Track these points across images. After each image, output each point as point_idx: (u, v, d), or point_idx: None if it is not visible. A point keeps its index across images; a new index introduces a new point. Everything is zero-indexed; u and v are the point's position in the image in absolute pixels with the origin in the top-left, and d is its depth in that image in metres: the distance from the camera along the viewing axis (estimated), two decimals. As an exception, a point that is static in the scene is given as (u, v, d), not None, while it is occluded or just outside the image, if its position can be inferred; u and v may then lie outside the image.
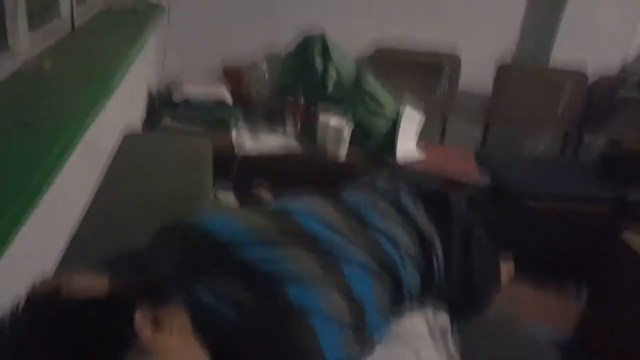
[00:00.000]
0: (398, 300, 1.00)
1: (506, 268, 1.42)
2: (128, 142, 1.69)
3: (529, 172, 2.44)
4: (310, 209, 1.04)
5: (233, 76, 2.46)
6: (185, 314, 0.84)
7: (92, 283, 0.95)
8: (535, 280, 2.24)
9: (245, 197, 1.70)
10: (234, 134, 2.18)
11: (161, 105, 2.27)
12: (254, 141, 2.18)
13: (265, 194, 1.65)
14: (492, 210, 2.15)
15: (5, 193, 0.74)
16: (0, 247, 0.69)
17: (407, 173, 1.50)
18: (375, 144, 2.24)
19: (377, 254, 0.99)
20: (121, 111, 1.72)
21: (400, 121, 2.20)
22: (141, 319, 0.78)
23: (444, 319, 1.10)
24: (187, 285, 0.89)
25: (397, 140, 2.20)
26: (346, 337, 0.86)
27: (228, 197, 1.87)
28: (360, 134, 2.18)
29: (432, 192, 1.22)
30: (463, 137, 2.69)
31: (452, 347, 1.07)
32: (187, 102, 2.17)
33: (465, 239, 1.14)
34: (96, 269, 1.02)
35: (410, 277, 1.02)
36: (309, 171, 2.06)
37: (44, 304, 0.83)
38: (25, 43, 1.26)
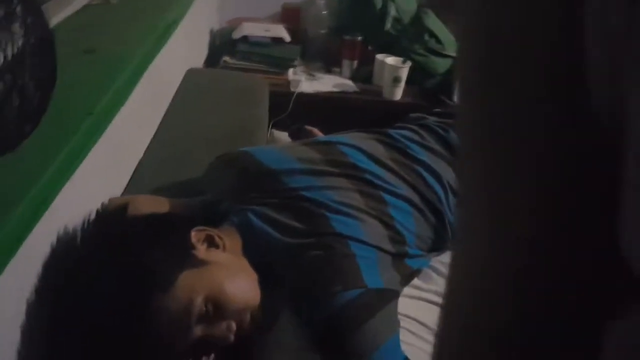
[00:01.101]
0: (440, 236, 1.02)
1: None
2: (191, 77, 1.76)
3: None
4: (355, 142, 1.07)
5: (291, 14, 2.46)
6: (237, 235, 0.91)
7: (154, 203, 1.04)
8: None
9: (298, 135, 1.74)
10: (290, 72, 2.20)
11: (221, 43, 2.31)
12: (309, 80, 2.20)
13: (318, 133, 1.68)
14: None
15: (75, 114, 0.80)
16: (74, 160, 0.75)
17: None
18: (434, 83, 2.19)
19: (420, 187, 1.01)
20: (185, 46, 1.78)
21: (460, 60, 2.14)
22: (197, 236, 0.86)
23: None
24: (238, 207, 0.95)
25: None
26: (385, 264, 0.90)
27: (282, 135, 1.91)
28: (418, 73, 2.14)
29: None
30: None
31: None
32: (246, 40, 2.20)
33: None
34: (158, 193, 1.12)
35: (454, 211, 1.04)
36: (364, 111, 2.06)
37: (112, 219, 0.92)
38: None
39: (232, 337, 0.82)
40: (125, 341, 0.74)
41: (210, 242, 0.87)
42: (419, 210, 0.99)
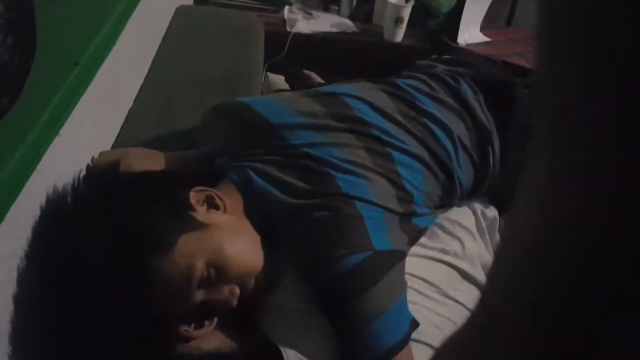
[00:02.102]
0: (448, 193, 0.98)
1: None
2: (180, 16, 1.65)
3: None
4: (362, 93, 1.00)
5: (287, -54, 2.31)
6: (237, 194, 0.86)
7: (148, 158, 0.98)
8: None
9: (295, 79, 1.66)
10: (286, 10, 2.09)
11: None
12: (306, 19, 2.09)
13: (316, 77, 1.61)
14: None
15: (60, 65, 0.74)
16: (62, 114, 0.69)
17: (470, 58, 1.39)
18: (437, 24, 2.10)
19: (429, 143, 0.96)
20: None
21: (465, 0, 2.04)
22: (196, 197, 0.81)
23: (492, 212, 1.08)
24: (237, 164, 0.90)
25: (460, 21, 2.05)
26: (393, 225, 0.86)
27: (278, 79, 1.84)
28: (421, 13, 2.04)
29: (496, 81, 1.14)
30: (532, 20, 2.47)
31: (498, 239, 1.07)
32: (238, -25, 2.07)
33: (527, 129, 1.08)
34: (151, 144, 1.06)
35: (464, 169, 0.99)
36: (364, 53, 1.98)
37: (104, 177, 0.87)
38: None
39: (234, 301, 0.79)
40: (121, 306, 0.71)
41: (210, 203, 0.82)
42: (429, 168, 0.95)
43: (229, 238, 0.79)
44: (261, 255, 0.81)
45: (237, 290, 0.78)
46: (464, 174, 1.00)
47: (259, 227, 0.84)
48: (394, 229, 0.86)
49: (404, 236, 0.88)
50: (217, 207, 0.82)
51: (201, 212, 0.80)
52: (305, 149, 0.87)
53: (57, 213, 0.77)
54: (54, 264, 0.72)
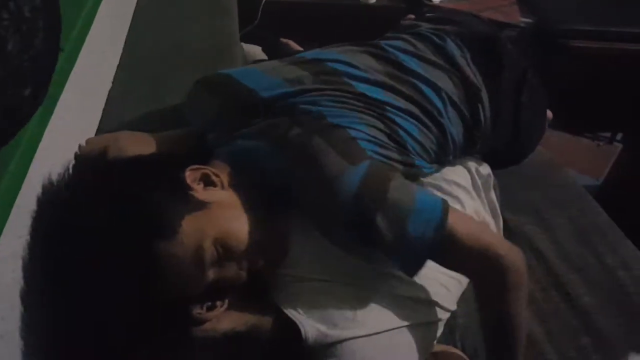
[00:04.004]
0: (443, 147, 0.98)
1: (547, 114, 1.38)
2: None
3: (574, 8, 2.26)
4: (346, 57, 0.98)
5: None
6: (232, 169, 0.84)
7: (138, 141, 0.95)
8: (571, 126, 2.21)
9: (273, 48, 1.62)
10: (256, -24, 2.03)
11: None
12: (278, -16, 2.03)
13: (294, 45, 1.57)
14: (534, 51, 2.04)
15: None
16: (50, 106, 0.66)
17: (454, 15, 1.38)
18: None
19: (418, 99, 0.95)
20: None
21: (437, -44, 2.01)
22: (192, 176, 0.79)
23: (485, 169, 1.09)
24: (229, 139, 0.88)
25: (433, -22, 2.02)
26: (388, 151, 0.86)
27: (254, 49, 1.79)
28: (393, -29, 2.01)
29: (482, 36, 1.13)
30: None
31: (493, 196, 1.08)
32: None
33: (517, 87, 1.08)
34: (137, 126, 1.02)
35: (454, 124, 0.99)
36: (340, 18, 1.94)
37: (95, 164, 0.84)
38: None
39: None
40: (134, 295, 0.70)
41: (207, 181, 0.80)
42: (420, 121, 0.94)
43: (232, 214, 0.78)
44: (265, 226, 0.80)
45: (246, 264, 0.78)
46: (455, 128, 0.99)
47: (260, 197, 0.82)
48: (388, 153, 0.85)
49: (399, 165, 0.87)
50: (214, 184, 0.80)
51: (200, 191, 0.78)
52: (297, 108, 0.86)
53: (55, 206, 0.74)
54: (58, 257, 0.70)
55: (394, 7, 1.98)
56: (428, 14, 1.22)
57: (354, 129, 0.83)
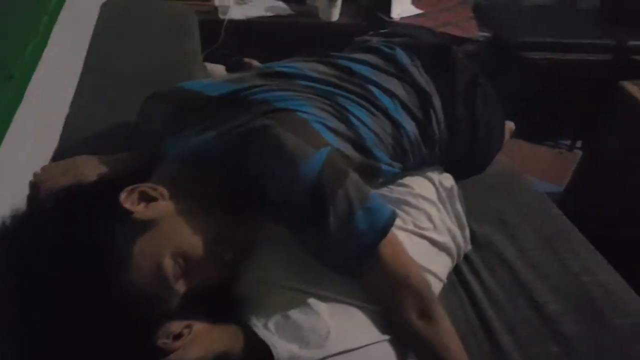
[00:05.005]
0: (399, 142, 0.98)
1: (507, 124, 1.40)
2: (107, 12, 1.57)
3: (529, 22, 2.34)
4: (297, 64, 1.00)
5: None
6: (185, 170, 0.83)
7: (93, 166, 0.93)
8: (532, 135, 2.26)
9: (236, 68, 1.62)
10: (216, -3, 2.03)
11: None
12: (239, 4, 2.04)
13: (258, 65, 1.57)
14: (493, 64, 2.09)
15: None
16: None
17: (407, 29, 1.41)
18: (370, 0, 2.10)
19: (368, 96, 0.96)
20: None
21: (395, -27, 2.05)
22: (128, 198, 0.76)
23: (449, 181, 1.10)
24: (182, 138, 0.87)
25: (392, -5, 2.06)
26: (342, 143, 0.85)
27: (218, 68, 1.78)
28: (353, -11, 2.04)
29: (432, 46, 1.16)
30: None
31: (459, 207, 1.09)
32: (161, -37, 1.98)
33: (469, 91, 1.10)
34: (95, 146, 1.00)
35: (408, 124, 1.00)
36: (301, 35, 1.96)
37: (46, 195, 0.82)
38: None
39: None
40: (105, 329, 0.68)
41: (146, 197, 0.77)
42: (371, 112, 0.94)
43: (181, 222, 0.76)
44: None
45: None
46: (409, 125, 1.00)
47: (213, 190, 0.80)
48: (346, 147, 0.85)
49: (358, 156, 0.87)
50: (154, 198, 0.77)
51: (141, 211, 0.75)
52: (247, 98, 0.86)
53: (9, 236, 0.72)
54: (17, 290, 0.68)
55: (356, 24, 2.01)
56: (381, 30, 1.24)
57: (302, 111, 0.83)
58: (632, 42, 2.24)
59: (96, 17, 1.52)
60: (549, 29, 2.28)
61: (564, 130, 2.43)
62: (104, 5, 1.59)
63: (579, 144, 2.43)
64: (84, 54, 1.35)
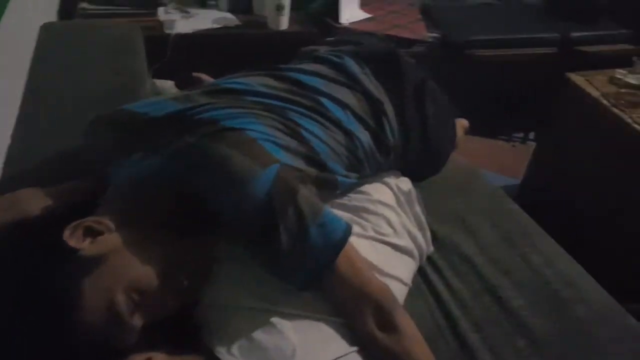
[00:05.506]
0: (353, 152, 0.97)
1: (460, 122, 1.42)
2: (47, 35, 1.51)
3: (476, 20, 2.38)
4: (245, 79, 0.98)
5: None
6: (121, 203, 0.80)
7: (39, 200, 0.88)
8: (486, 131, 2.30)
9: (185, 84, 1.59)
10: (161, 11, 2.00)
11: (73, -13, 2.01)
12: (185, 18, 2.01)
13: (207, 78, 1.55)
14: (442, 64, 2.12)
15: None
16: None
17: (353, 36, 1.42)
18: (318, 6, 2.10)
19: (319, 109, 0.95)
20: (30, 1, 1.51)
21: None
22: (73, 236, 0.73)
23: (406, 184, 1.11)
24: (128, 163, 0.85)
25: (340, 1, 2.07)
26: (295, 159, 0.83)
27: (166, 84, 1.75)
28: (300, -3, 2.03)
29: (379, 53, 1.16)
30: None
31: (418, 209, 1.09)
32: (102, -19, 1.93)
33: (419, 95, 1.11)
34: (39, 181, 0.95)
35: (361, 134, 0.99)
36: (251, 46, 1.94)
37: None
38: None
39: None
40: None
41: (92, 232, 0.74)
42: (323, 125, 0.93)
43: (131, 255, 0.73)
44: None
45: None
46: (363, 135, 0.99)
47: (162, 216, 0.78)
48: (298, 162, 0.83)
49: (312, 170, 0.86)
50: (100, 232, 0.75)
51: (88, 247, 0.73)
52: (192, 117, 0.83)
53: None
54: None
55: (305, 31, 2.01)
56: (327, 39, 1.23)
57: (250, 129, 0.81)
58: (575, 34, 2.31)
59: (35, 40, 1.46)
60: (495, 26, 2.33)
61: (516, 123, 2.48)
62: (43, 27, 1.53)
63: (532, 135, 2.49)
64: (23, 79, 1.30)
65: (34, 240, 0.76)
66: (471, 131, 1.55)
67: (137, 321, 0.71)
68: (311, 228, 0.74)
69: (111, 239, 0.74)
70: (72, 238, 0.72)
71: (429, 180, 1.22)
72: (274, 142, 0.82)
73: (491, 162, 2.05)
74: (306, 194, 0.77)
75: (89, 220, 0.75)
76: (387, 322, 0.77)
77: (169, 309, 0.75)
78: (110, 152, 0.90)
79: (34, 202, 0.87)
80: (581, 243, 1.34)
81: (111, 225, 0.75)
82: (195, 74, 1.57)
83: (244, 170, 0.74)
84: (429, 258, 1.10)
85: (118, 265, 0.72)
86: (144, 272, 0.72)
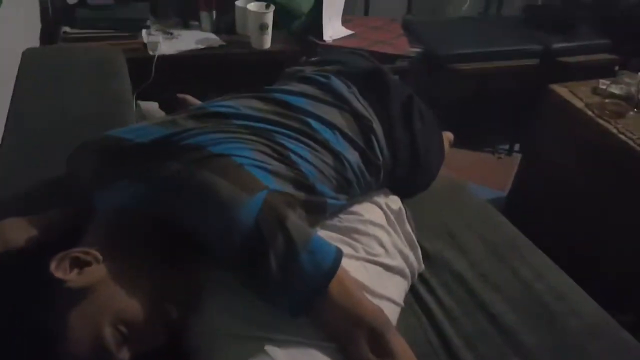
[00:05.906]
0: (342, 174, 0.96)
1: (445, 135, 1.43)
2: (29, 60, 1.50)
3: (457, 34, 2.41)
4: (231, 102, 0.97)
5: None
6: (106, 231, 0.79)
7: (22, 230, 0.87)
8: (472, 143, 2.32)
9: (170, 105, 1.58)
10: (144, 33, 1.99)
11: (56, 12, 2.00)
12: (168, 39, 2.01)
13: (192, 100, 1.54)
14: (426, 78, 2.14)
15: None
16: None
17: (336, 55, 1.42)
18: (301, 24, 2.11)
19: (306, 130, 0.94)
20: (12, 24, 1.50)
21: (322, -3, 2.07)
22: (60, 267, 0.72)
23: (396, 203, 1.10)
24: (112, 189, 0.83)
25: (322, 19, 2.08)
26: (284, 184, 0.83)
27: (151, 106, 1.74)
28: (283, 15, 2.04)
29: (365, 71, 1.16)
30: (388, 6, 2.58)
31: (408, 228, 1.09)
32: (85, 5, 1.92)
33: (406, 112, 1.11)
34: (23, 210, 0.94)
35: (350, 153, 0.99)
36: (236, 66, 1.94)
37: None
38: None
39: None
40: None
41: (79, 263, 0.73)
42: (311, 147, 0.93)
43: (118, 286, 0.72)
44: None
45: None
46: (352, 156, 0.99)
47: (149, 246, 0.77)
48: (285, 185, 0.83)
49: (301, 194, 0.85)
50: (87, 263, 0.73)
51: (75, 279, 0.71)
52: (178, 143, 0.82)
53: None
54: None
55: (289, 50, 2.01)
56: (311, 59, 1.23)
57: (237, 155, 0.80)
58: (556, 45, 2.34)
59: (17, 66, 1.45)
60: (477, 40, 2.36)
61: (501, 135, 2.50)
62: (25, 53, 1.52)
63: (517, 147, 2.51)
64: (6, 105, 1.28)
65: (18, 272, 0.74)
66: (456, 144, 1.56)
67: (125, 355, 0.70)
68: (302, 254, 0.73)
69: (98, 270, 0.73)
70: (59, 270, 0.71)
71: (417, 197, 1.22)
72: (262, 168, 0.81)
73: (477, 174, 2.06)
74: (295, 220, 0.76)
75: (76, 251, 0.73)
76: (381, 347, 0.76)
77: (158, 341, 0.73)
78: (94, 179, 0.89)
79: (17, 232, 0.85)
80: (569, 254, 1.35)
81: (99, 255, 0.74)
82: (180, 95, 1.57)
83: (230, 197, 0.73)
84: (420, 276, 1.10)
85: (105, 297, 0.70)
86: (132, 304, 0.71)
